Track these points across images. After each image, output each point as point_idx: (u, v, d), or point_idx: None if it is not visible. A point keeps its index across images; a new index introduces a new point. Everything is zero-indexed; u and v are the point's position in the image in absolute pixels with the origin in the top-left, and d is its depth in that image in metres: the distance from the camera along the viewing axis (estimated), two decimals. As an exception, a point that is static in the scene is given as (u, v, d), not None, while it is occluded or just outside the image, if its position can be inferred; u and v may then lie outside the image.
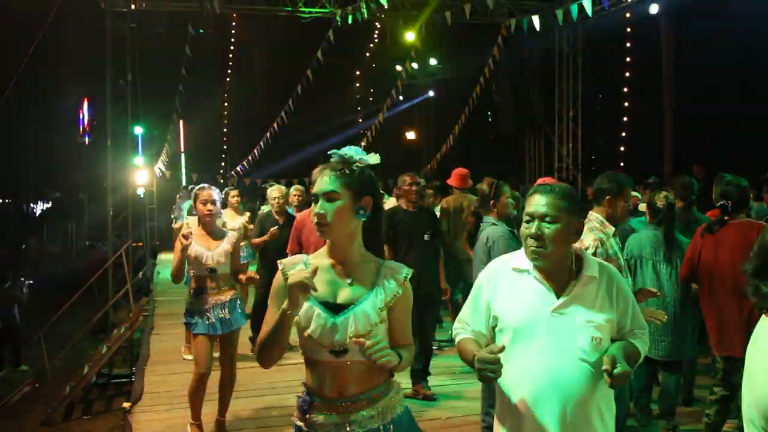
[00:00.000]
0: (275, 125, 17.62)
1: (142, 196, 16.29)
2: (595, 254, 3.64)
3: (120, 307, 12.43)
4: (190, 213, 5.12)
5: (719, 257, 4.30)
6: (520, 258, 2.49)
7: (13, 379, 11.08)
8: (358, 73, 24.78)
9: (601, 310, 2.37)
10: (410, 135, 23.93)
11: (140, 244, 15.05)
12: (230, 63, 22.07)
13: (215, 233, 4.95)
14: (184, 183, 17.23)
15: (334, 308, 2.23)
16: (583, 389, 2.31)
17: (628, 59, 16.49)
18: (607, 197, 3.89)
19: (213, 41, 19.49)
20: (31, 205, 35.88)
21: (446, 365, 6.75)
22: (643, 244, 4.78)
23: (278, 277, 2.33)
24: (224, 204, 8.49)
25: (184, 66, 16.09)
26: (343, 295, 2.26)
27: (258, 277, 5.10)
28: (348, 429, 2.22)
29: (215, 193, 4.96)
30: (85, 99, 26.23)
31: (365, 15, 13.67)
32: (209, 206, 4.88)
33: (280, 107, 17.27)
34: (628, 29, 16.12)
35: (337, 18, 14.14)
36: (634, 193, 6.25)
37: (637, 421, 4.89)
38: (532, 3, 14.67)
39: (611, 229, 3.87)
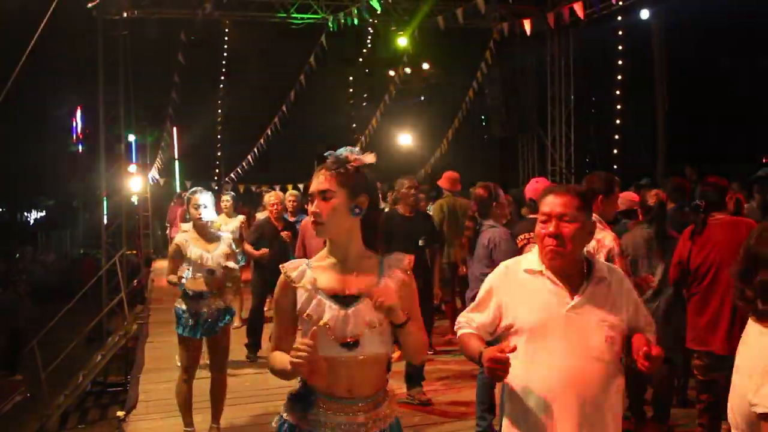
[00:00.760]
0: (269, 131, 17.61)
1: (136, 203, 16.25)
2: (621, 253, 3.72)
3: (114, 315, 12.39)
4: (183, 219, 5.16)
5: (707, 256, 4.33)
6: (530, 259, 2.52)
7: (5, 387, 11.03)
8: (351, 78, 24.79)
9: (613, 310, 2.42)
10: (404, 139, 23.91)
11: (134, 252, 15.01)
12: (223, 69, 22.05)
13: (210, 236, 4.99)
14: (178, 190, 17.18)
15: (344, 300, 2.26)
16: (599, 388, 2.36)
17: (620, 62, 16.54)
18: (599, 197, 3.91)
19: (206, 48, 19.47)
20: (25, 213, 35.79)
21: (441, 370, 6.75)
22: (636, 242, 4.79)
23: (281, 280, 2.35)
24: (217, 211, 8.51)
25: (177, 73, 16.07)
26: (352, 287, 2.28)
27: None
28: (352, 429, 2.23)
29: (206, 197, 4.99)
30: (79, 107, 26.16)
31: (356, 21, 13.68)
32: (201, 210, 4.95)
33: (274, 113, 17.26)
34: (620, 32, 16.18)
35: (330, 24, 14.15)
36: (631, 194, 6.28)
37: (632, 424, 4.89)
38: (523, 7, 14.70)
39: (609, 228, 3.90)
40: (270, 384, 5.97)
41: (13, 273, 15.93)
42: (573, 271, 2.45)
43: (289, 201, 7.95)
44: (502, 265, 2.63)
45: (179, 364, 6.63)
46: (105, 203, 13.84)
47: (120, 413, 6.19)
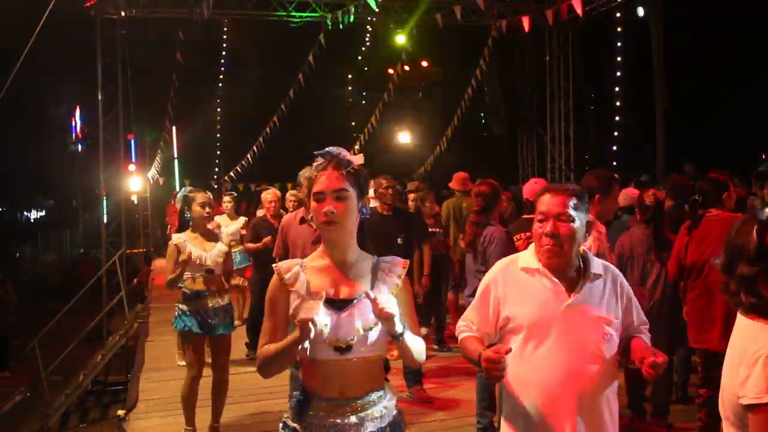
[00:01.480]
0: (268, 129, 17.60)
1: (135, 202, 16.26)
2: (596, 255, 3.68)
3: (115, 315, 12.40)
4: (180, 217, 5.13)
5: (703, 253, 4.34)
6: (527, 257, 2.53)
7: (5, 387, 11.05)
8: (350, 76, 24.81)
9: (609, 307, 2.44)
10: (403, 137, 23.94)
11: (134, 251, 15.02)
12: (222, 68, 22.06)
13: (208, 235, 5.01)
14: (177, 189, 17.19)
15: (338, 304, 2.23)
16: (596, 384, 2.39)
17: (619, 59, 16.55)
18: (596, 195, 3.88)
19: (204, 47, 19.47)
20: (25, 213, 35.79)
21: (441, 368, 6.76)
22: (633, 242, 4.79)
23: (274, 281, 2.32)
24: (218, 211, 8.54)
25: (175, 72, 16.07)
26: (345, 290, 2.26)
27: (245, 284, 5.17)
28: (348, 431, 2.22)
29: (210, 197, 5.02)
30: (78, 106, 26.16)
31: (352, 19, 13.68)
32: (207, 209, 4.96)
33: (273, 111, 17.25)
34: (619, 29, 16.18)
35: (328, 22, 14.14)
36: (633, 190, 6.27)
37: (631, 420, 4.90)
38: (522, 4, 14.71)
39: (603, 228, 3.88)
40: (270, 382, 5.92)
41: (6, 273, 15.93)
42: (570, 269, 2.46)
43: (290, 200, 7.94)
44: (499, 263, 2.64)
45: (180, 363, 6.65)
46: (105, 202, 13.85)
47: (120, 412, 6.19)
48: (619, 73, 16.71)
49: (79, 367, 10.15)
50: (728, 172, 4.68)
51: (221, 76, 22.46)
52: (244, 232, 8.35)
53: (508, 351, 2.24)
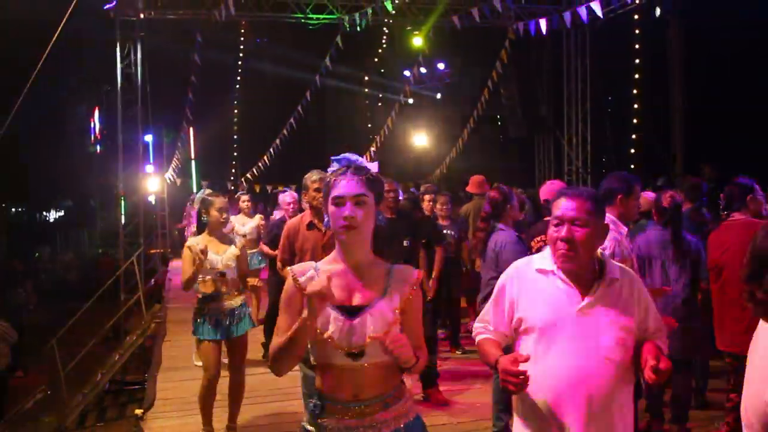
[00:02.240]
0: (285, 131, 17.66)
1: (153, 203, 16.36)
2: (613, 255, 3.67)
3: (132, 315, 12.49)
4: (197, 220, 5.19)
5: (721, 257, 4.31)
6: (543, 259, 2.53)
7: (24, 386, 11.17)
8: (366, 78, 24.81)
9: (624, 311, 2.42)
10: (419, 140, 23.91)
11: (152, 251, 15.12)
12: (239, 70, 22.15)
13: (223, 238, 5.05)
14: (194, 190, 17.28)
15: (350, 311, 2.24)
16: (608, 388, 2.37)
17: (636, 61, 16.42)
18: (618, 196, 3.89)
19: (222, 48, 19.57)
20: (44, 213, 36.12)
21: (456, 370, 6.75)
22: (651, 244, 4.76)
23: (289, 284, 2.34)
24: (237, 210, 8.59)
25: (193, 73, 16.17)
26: (358, 297, 2.27)
27: (261, 284, 5.20)
28: None
29: (226, 201, 5.09)
30: (96, 107, 26.39)
31: (369, 21, 13.69)
32: (224, 215, 5.04)
33: (290, 113, 17.31)
34: (636, 31, 16.06)
35: (345, 24, 14.17)
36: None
37: (649, 424, 4.86)
38: (539, 6, 14.65)
39: (624, 229, 3.87)
40: (286, 383, 5.97)
41: (25, 273, 16.11)
42: (585, 272, 2.45)
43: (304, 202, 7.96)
44: (515, 264, 2.64)
45: (197, 363, 6.69)
46: (123, 203, 13.95)
47: (138, 411, 6.23)
48: (636, 75, 16.60)
49: (97, 367, 10.23)
50: (754, 178, 4.61)
51: (239, 78, 22.56)
52: (262, 223, 8.40)
53: (526, 359, 2.24)
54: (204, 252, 4.77)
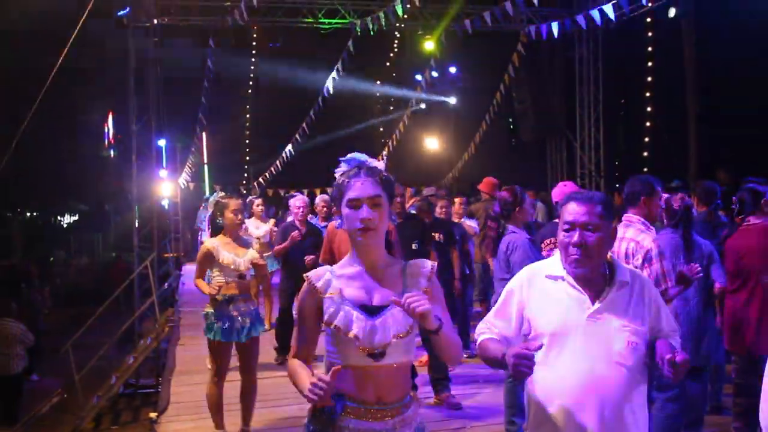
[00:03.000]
0: (297, 135, 17.72)
1: (167, 207, 16.46)
2: (660, 255, 3.72)
3: (146, 318, 12.56)
4: (211, 223, 5.24)
5: (739, 262, 4.29)
6: (552, 264, 2.52)
7: (39, 389, 11.26)
8: (378, 82, 24.85)
9: (635, 315, 2.41)
10: (431, 143, 23.91)
11: (165, 255, 15.20)
12: (252, 75, 22.25)
13: (240, 240, 5.07)
14: (207, 194, 17.38)
15: (371, 311, 2.25)
16: (621, 393, 2.36)
17: (649, 63, 16.35)
18: (642, 198, 3.92)
19: (234, 54, 19.67)
20: (59, 218, 36.39)
21: (468, 374, 6.74)
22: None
23: (306, 289, 2.34)
24: (249, 214, 8.63)
25: (206, 79, 16.26)
26: (378, 297, 2.27)
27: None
28: None
29: (241, 203, 5.12)
30: (110, 113, 26.58)
31: (383, 25, 13.72)
32: (240, 216, 5.05)
33: (302, 117, 17.37)
34: (649, 33, 16.00)
35: (357, 28, 14.21)
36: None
37: None
38: (551, 9, 14.63)
39: (653, 229, 3.88)
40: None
41: (40, 278, 16.24)
42: (595, 277, 2.44)
43: (320, 206, 7.99)
44: (524, 270, 2.63)
45: (210, 366, 6.72)
46: (137, 207, 14.04)
47: (152, 415, 6.27)
48: (649, 78, 16.52)
49: (112, 370, 10.30)
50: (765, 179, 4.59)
51: (251, 83, 22.67)
52: (275, 229, 8.42)
53: (539, 347, 2.24)
54: (218, 258, 4.83)
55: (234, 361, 5.22)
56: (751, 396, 4.16)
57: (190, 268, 14.71)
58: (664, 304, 2.53)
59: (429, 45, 15.90)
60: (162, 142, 15.93)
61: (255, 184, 20.53)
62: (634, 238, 3.89)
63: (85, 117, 27.69)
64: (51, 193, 28.95)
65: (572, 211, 2.42)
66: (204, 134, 19.90)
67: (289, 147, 17.87)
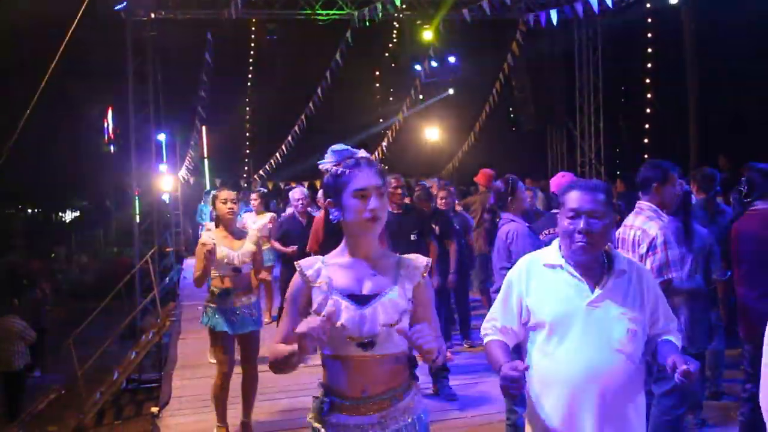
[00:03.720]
0: (297, 128, 17.70)
1: (167, 202, 16.45)
2: (665, 243, 3.71)
3: (147, 313, 12.57)
4: (210, 216, 5.23)
5: (741, 248, 4.26)
6: (550, 254, 2.54)
7: (42, 386, 11.29)
8: (377, 73, 24.80)
9: (634, 303, 2.43)
10: (431, 133, 23.86)
11: (166, 249, 15.20)
12: (250, 68, 22.22)
13: (236, 233, 5.04)
14: (207, 188, 17.39)
15: (361, 300, 2.22)
16: (620, 380, 2.38)
17: (649, 50, 16.30)
18: (654, 185, 3.89)
19: (232, 47, 19.63)
20: (60, 214, 36.39)
21: (469, 363, 6.74)
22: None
23: (296, 279, 2.32)
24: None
25: (204, 72, 16.22)
26: (368, 286, 2.25)
27: (269, 278, 5.20)
28: (371, 430, 2.22)
29: (234, 193, 5.04)
30: (110, 107, 26.53)
31: (380, 16, 13.67)
32: (230, 205, 4.97)
33: (301, 110, 17.34)
34: (649, 20, 15.93)
35: (355, 19, 14.16)
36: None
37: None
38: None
39: (665, 217, 3.86)
40: (300, 379, 5.97)
41: (42, 274, 16.26)
42: (594, 265, 2.46)
43: (323, 199, 7.97)
44: (522, 259, 2.64)
45: (212, 360, 6.73)
46: (137, 202, 14.03)
47: (154, 409, 6.29)
48: (649, 65, 16.47)
49: (114, 365, 10.32)
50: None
51: (250, 76, 22.62)
52: (270, 225, 8.39)
53: (526, 369, 2.24)
54: (213, 251, 4.77)
55: (235, 354, 5.22)
56: (757, 382, 4.15)
57: (191, 262, 14.73)
58: (661, 294, 2.54)
59: (427, 35, 15.84)
60: (162, 137, 15.90)
61: (255, 177, 20.53)
62: (641, 226, 3.87)
63: (84, 113, 27.66)
64: (52, 189, 28.93)
65: (576, 198, 2.44)
66: (204, 128, 19.87)
67: (289, 139, 17.86)
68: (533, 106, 17.21)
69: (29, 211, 33.28)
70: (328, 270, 2.28)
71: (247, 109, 24.42)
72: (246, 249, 4.99)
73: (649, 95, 16.65)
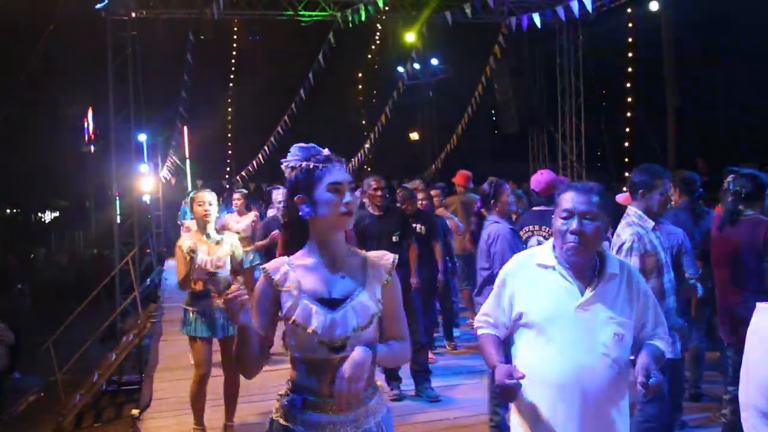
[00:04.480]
0: (279, 129, 17.63)
1: (148, 202, 16.33)
2: (631, 249, 3.70)
3: (128, 314, 12.48)
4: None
5: (723, 252, 4.30)
6: (543, 254, 2.54)
7: (20, 388, 11.16)
8: (360, 75, 24.80)
9: (623, 307, 2.44)
10: (414, 135, 23.93)
11: (147, 251, 15.09)
12: (232, 68, 22.11)
13: (214, 237, 4.99)
14: (189, 189, 17.28)
15: (330, 304, 2.20)
16: (605, 383, 2.39)
17: (630, 54, 16.46)
18: (640, 191, 3.91)
19: (214, 47, 19.51)
20: (39, 214, 36.03)
21: (453, 365, 6.76)
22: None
23: (261, 283, 2.27)
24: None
25: (186, 72, 16.11)
26: (338, 289, 2.22)
27: (241, 280, 5.15)
28: (342, 429, 2.21)
29: (210, 195, 5.00)
30: (90, 107, 26.30)
31: (363, 17, 13.67)
32: (206, 207, 4.93)
33: (284, 111, 17.28)
34: (630, 24, 16.09)
35: (338, 20, 14.14)
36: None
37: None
38: (532, 1, 14.65)
39: (650, 223, 3.87)
40: (283, 382, 5.98)
41: (20, 275, 16.10)
42: (585, 267, 2.46)
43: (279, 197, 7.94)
44: (517, 256, 2.67)
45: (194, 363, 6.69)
46: (117, 203, 13.91)
47: (134, 412, 6.24)
48: (630, 69, 16.62)
49: (94, 367, 10.22)
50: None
51: (232, 76, 22.51)
52: (254, 221, 8.35)
53: (521, 378, 2.26)
54: (193, 251, 4.74)
55: (217, 357, 5.19)
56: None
57: (172, 264, 14.63)
58: (653, 297, 2.55)
59: (410, 37, 15.86)
60: (143, 137, 15.78)
61: (238, 178, 20.43)
62: (619, 231, 3.92)
63: (64, 113, 27.40)
64: (31, 189, 28.65)
65: (571, 199, 2.45)
66: (185, 128, 19.75)
67: (272, 140, 17.79)
68: (515, 108, 17.27)
69: (8, 211, 32.90)
70: (296, 272, 2.24)
71: (229, 109, 24.28)
72: (221, 253, 4.93)
73: (629, 99, 16.80)
